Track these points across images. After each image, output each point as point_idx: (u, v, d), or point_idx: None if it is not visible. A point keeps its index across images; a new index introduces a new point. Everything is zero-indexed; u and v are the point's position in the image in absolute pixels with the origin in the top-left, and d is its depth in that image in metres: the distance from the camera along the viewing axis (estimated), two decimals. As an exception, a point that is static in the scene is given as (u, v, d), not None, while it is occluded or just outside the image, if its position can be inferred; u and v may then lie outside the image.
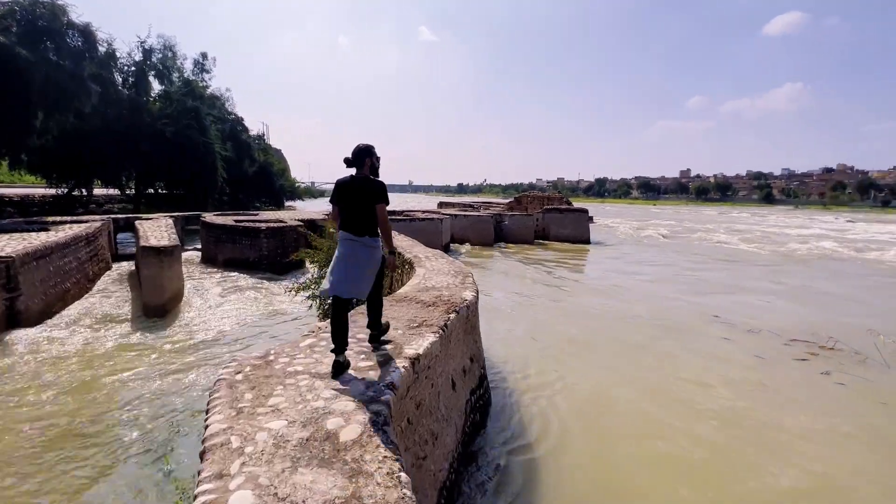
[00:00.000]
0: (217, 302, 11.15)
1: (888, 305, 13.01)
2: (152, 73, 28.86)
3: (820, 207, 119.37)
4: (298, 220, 19.57)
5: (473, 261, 18.81)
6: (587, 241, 26.29)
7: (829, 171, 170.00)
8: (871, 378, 7.34)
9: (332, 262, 3.17)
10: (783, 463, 5.07)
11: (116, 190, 29.18)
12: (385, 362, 3.23)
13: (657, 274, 17.07)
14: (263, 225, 15.67)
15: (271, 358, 3.28)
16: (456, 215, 23.94)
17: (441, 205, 36.74)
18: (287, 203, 69.98)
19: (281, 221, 17.90)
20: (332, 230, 9.76)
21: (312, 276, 9.40)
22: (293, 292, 9.00)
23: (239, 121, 45.99)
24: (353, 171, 3.19)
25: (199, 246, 17.87)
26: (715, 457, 5.21)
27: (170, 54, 34.47)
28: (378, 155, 3.28)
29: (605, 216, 50.29)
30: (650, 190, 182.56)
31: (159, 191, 32.88)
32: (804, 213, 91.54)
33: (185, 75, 42.60)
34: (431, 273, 6.79)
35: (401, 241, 10.98)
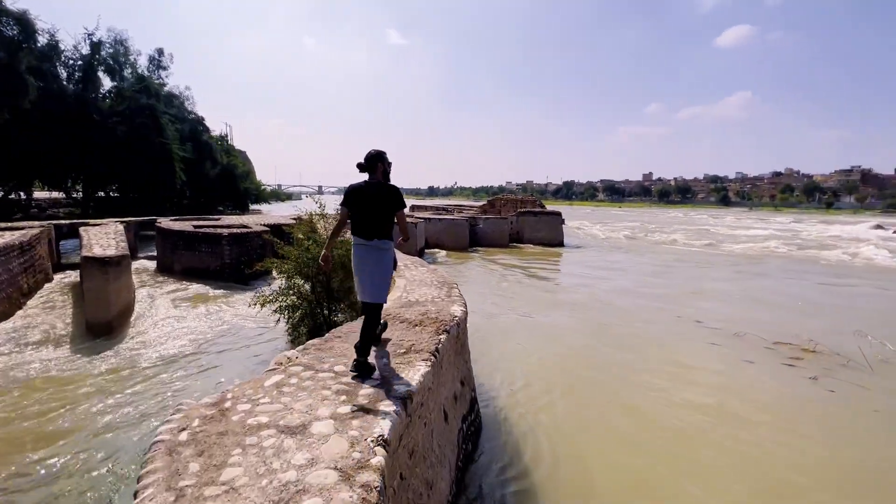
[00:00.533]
0: (172, 316, 10.15)
1: (851, 305, 13.41)
2: (102, 68, 26.87)
3: (772, 209, 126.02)
4: (264, 225, 18.51)
5: (451, 268, 18.29)
6: (561, 244, 26.33)
7: (777, 174, 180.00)
8: (860, 383, 7.30)
9: (354, 268, 3.32)
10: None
11: (62, 193, 26.95)
12: (371, 406, 2.65)
13: (632, 280, 17.08)
14: (225, 231, 14.61)
15: (227, 405, 2.63)
16: (430, 219, 23.39)
17: (413, 208, 36.08)
18: (252, 207, 67.32)
19: (245, 227, 16.83)
20: (300, 236, 9.02)
21: (280, 286, 8.61)
22: (258, 305, 8.20)
23: (199, 120, 43.82)
24: (364, 176, 3.26)
25: (155, 254, 16.55)
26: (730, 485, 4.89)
27: (121, 49, 32.29)
28: (389, 161, 3.36)
29: (575, 218, 50.99)
30: (615, 193, 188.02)
31: (112, 194, 30.71)
32: (758, 214, 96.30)
33: (140, 72, 40.23)
34: (413, 284, 6.22)
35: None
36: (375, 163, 3.24)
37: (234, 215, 32.16)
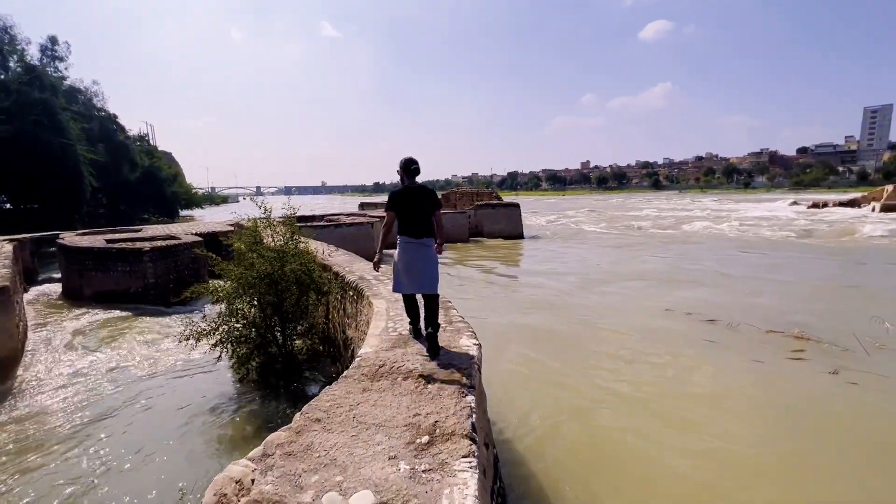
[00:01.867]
0: (77, 359, 8.04)
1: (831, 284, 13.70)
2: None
3: (698, 191, 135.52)
4: (196, 234, 16.13)
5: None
6: (521, 236, 25.77)
7: (700, 158, 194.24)
8: (877, 372, 6.93)
9: (396, 265, 3.67)
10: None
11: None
12: None
13: (601, 269, 16.67)
14: (147, 244, 12.31)
15: None
16: (385, 218, 21.83)
17: (363, 206, 34.12)
18: (183, 213, 61.62)
19: (173, 238, 14.46)
20: (240, 246, 7.35)
21: (220, 312, 6.91)
22: (190, 340, 6.46)
23: (111, 118, 38.82)
24: (400, 181, 3.65)
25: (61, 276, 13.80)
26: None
27: (6, 37, 27.48)
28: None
29: (524, 209, 51.32)
30: (557, 182, 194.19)
31: (4, 206, 26.14)
32: (687, 196, 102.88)
33: (30, 62, 34.83)
34: (399, 308, 4.89)
35: (337, 259, 8.81)
36: (416, 170, 3.59)
37: (161, 223, 28.60)
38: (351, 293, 6.58)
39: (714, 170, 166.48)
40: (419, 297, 3.80)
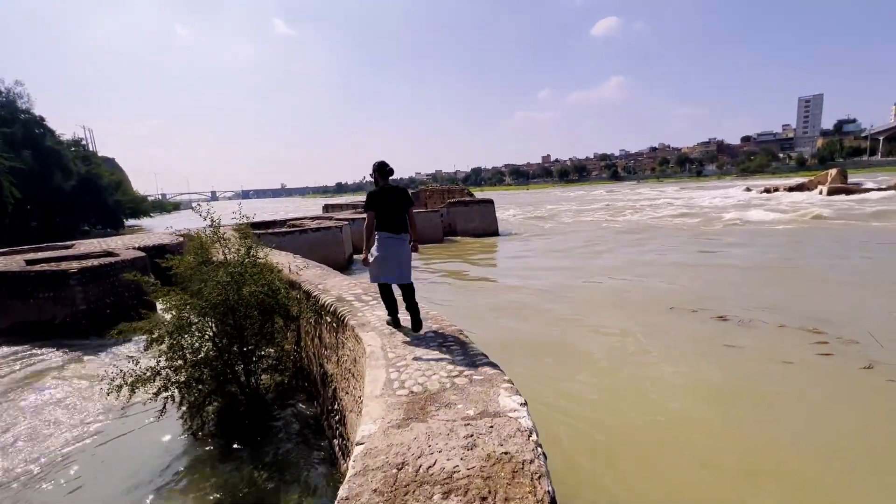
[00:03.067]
0: (-22, 420, 6.36)
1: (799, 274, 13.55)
2: None
3: (655, 180, 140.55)
4: (139, 247, 14.21)
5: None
6: (496, 233, 24.96)
7: (654, 149, 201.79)
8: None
9: (377, 258, 3.89)
10: None
11: None
12: None
13: (586, 264, 16.03)
14: (76, 265, 10.48)
15: None
16: (354, 219, 20.36)
17: (327, 208, 32.33)
18: (130, 223, 57.08)
19: (110, 254, 12.56)
20: (182, 267, 5.97)
21: (162, 349, 5.49)
22: (122, 392, 5.05)
23: (38, 121, 34.94)
24: (374, 183, 3.97)
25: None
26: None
27: None
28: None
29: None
30: (520, 176, 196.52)
31: None
32: (646, 185, 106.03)
33: None
34: (400, 347, 3.71)
35: (308, 274, 7.50)
36: (390, 171, 3.90)
37: (104, 237, 25.80)
38: (329, 319, 5.35)
39: (668, 160, 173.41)
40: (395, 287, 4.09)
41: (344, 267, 16.12)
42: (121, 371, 5.09)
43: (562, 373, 6.93)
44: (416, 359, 3.39)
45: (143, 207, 65.72)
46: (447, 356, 3.40)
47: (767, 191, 49.92)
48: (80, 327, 9.94)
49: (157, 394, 5.26)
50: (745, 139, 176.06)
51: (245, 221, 6.63)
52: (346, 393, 4.66)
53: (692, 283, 12.01)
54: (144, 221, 63.10)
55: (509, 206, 50.68)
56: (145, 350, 5.18)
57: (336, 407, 5.05)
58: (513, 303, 11.19)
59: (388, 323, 4.22)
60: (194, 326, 5.52)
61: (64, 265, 10.44)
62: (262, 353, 6.33)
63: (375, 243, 3.92)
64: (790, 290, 10.80)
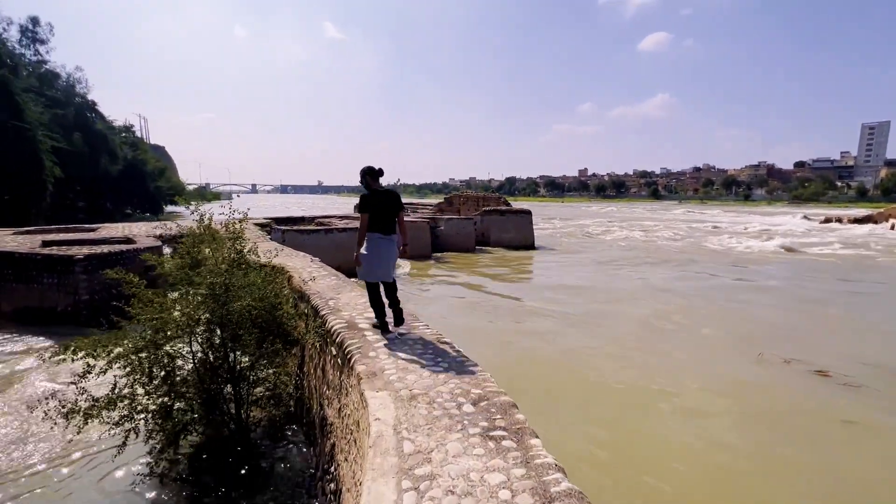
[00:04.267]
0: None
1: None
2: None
3: (698, 202, 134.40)
4: (160, 235, 13.64)
5: (415, 289, 14.47)
6: (532, 246, 23.42)
7: (697, 169, 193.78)
8: None
9: (367, 257, 3.97)
10: None
11: None
12: None
13: (645, 291, 14.33)
14: (85, 250, 9.81)
15: None
16: (383, 222, 19.39)
17: (358, 208, 31.67)
18: (170, 209, 58.64)
19: (127, 241, 11.95)
20: (170, 268, 4.96)
21: (130, 372, 4.41)
22: (76, 419, 4.02)
23: (90, 106, 36.03)
24: (365, 186, 4.04)
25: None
26: None
27: None
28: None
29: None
30: (555, 188, 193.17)
31: None
32: (686, 206, 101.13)
33: (12, 48, 32.18)
34: (424, 438, 2.43)
35: (320, 285, 6.33)
36: (380, 173, 4.04)
37: (145, 221, 25.94)
38: (334, 352, 4.15)
39: (712, 181, 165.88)
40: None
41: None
42: (81, 393, 4.06)
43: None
44: (447, 460, 2.10)
45: (185, 195, 67.63)
46: (501, 461, 2.09)
47: (828, 220, 46.09)
48: (82, 317, 9.22)
49: (118, 424, 4.21)
50: (799, 164, 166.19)
51: (240, 218, 5.55)
52: (346, 460, 3.44)
53: (771, 320, 10.21)
54: (184, 209, 64.84)
55: (545, 218, 48.82)
56: (103, 371, 4.12)
57: (333, 471, 3.84)
58: (549, 339, 9.74)
59: (374, 325, 4.21)
60: (170, 345, 4.45)
61: (74, 250, 9.79)
62: (258, 375, 5.22)
63: (366, 243, 4.00)
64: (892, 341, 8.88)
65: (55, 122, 29.28)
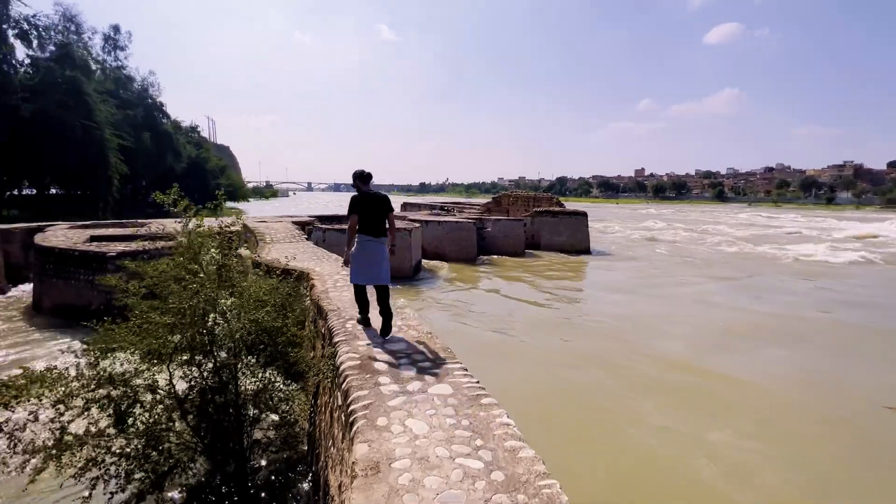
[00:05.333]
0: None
1: None
2: (13, 32, 21.30)
3: (771, 205, 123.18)
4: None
5: (457, 294, 13.33)
6: (587, 251, 21.58)
7: (770, 169, 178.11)
8: None
9: (355, 259, 3.96)
10: None
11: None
12: None
13: (726, 312, 12.35)
14: (120, 246, 9.57)
15: None
16: (427, 221, 18.45)
17: (405, 206, 31.08)
18: (229, 205, 61.63)
19: (170, 238, 11.77)
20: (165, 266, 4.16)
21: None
22: (33, 463, 3.27)
23: (158, 106, 38.11)
24: (355, 189, 4.06)
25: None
26: None
27: (71, 26, 27.09)
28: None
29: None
30: (609, 189, 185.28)
31: (54, 190, 25.05)
32: (762, 209, 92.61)
33: (96, 55, 34.70)
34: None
35: (340, 299, 5.33)
36: (369, 177, 4.07)
37: (186, 218, 26.87)
38: (339, 401, 3.11)
39: (788, 182, 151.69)
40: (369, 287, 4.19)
41: (409, 277, 14.18)
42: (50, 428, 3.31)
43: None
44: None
45: (243, 192, 70.96)
46: None
47: (938, 228, 39.78)
48: (114, 316, 8.94)
49: (83, 469, 3.42)
50: (894, 165, 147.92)
51: (230, 222, 4.70)
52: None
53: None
54: (243, 205, 67.95)
55: (599, 219, 46.08)
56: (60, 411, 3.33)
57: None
58: (611, 371, 8.25)
59: (358, 321, 4.18)
60: (148, 373, 3.62)
61: (107, 247, 9.57)
62: (261, 408, 4.32)
63: (355, 245, 4.00)
64: None
65: (126, 122, 31.09)
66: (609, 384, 7.39)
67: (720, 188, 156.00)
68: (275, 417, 4.37)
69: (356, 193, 4.00)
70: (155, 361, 3.60)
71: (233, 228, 4.67)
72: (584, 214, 22.19)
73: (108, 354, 3.49)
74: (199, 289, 3.63)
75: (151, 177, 39.01)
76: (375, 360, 3.41)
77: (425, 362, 3.39)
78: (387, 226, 4.06)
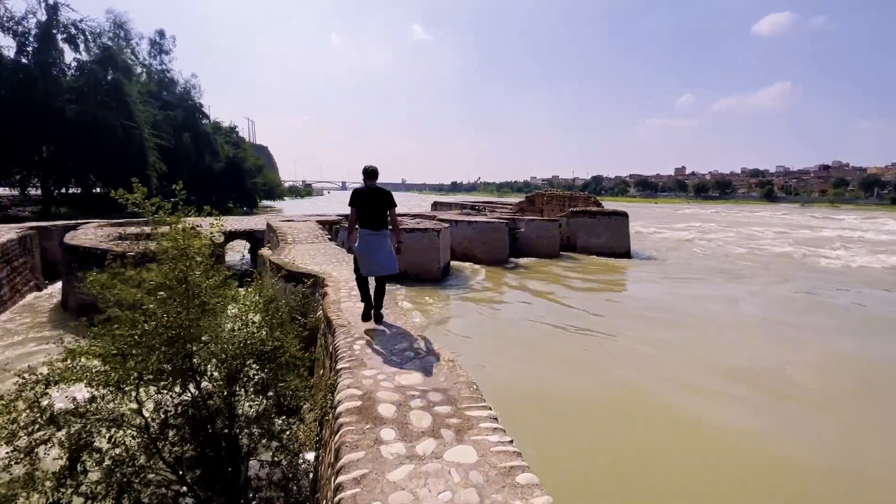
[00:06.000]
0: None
1: None
2: (62, 37, 22.17)
3: (828, 205, 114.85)
4: (230, 231, 13.32)
5: (486, 304, 12.48)
6: (627, 255, 20.21)
7: (825, 167, 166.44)
8: None
9: (358, 252, 4.06)
10: None
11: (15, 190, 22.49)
12: None
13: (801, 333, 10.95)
14: (140, 246, 9.32)
15: None
16: (457, 221, 17.71)
17: (436, 205, 30.47)
18: (265, 203, 63.11)
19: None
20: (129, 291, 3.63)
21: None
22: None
23: (197, 107, 39.21)
24: (360, 182, 4.13)
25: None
26: None
27: (120, 32, 28.41)
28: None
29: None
30: (648, 188, 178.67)
31: (97, 189, 26.14)
32: (823, 211, 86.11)
33: (142, 59, 36.18)
34: None
35: (352, 312, 4.65)
36: (376, 174, 4.08)
37: (242, 215, 27.35)
38: (331, 457, 2.42)
39: (846, 181, 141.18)
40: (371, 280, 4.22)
41: (437, 280, 13.49)
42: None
43: None
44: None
45: (280, 191, 72.65)
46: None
47: None
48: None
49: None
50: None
51: (197, 227, 4.14)
52: None
53: None
54: (279, 203, 69.47)
55: (638, 219, 43.92)
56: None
57: None
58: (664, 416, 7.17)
59: (363, 318, 4.17)
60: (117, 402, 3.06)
61: (116, 245, 9.38)
62: (256, 447, 3.72)
63: (358, 240, 4.09)
64: None
65: (167, 123, 32.10)
66: (688, 457, 5.69)
67: (769, 187, 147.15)
68: (272, 449, 3.74)
69: (358, 187, 4.08)
70: (127, 388, 3.04)
71: (213, 230, 4.12)
72: (625, 215, 20.80)
73: (57, 384, 2.93)
74: (179, 309, 3.05)
75: (191, 175, 40.27)
76: (381, 401, 2.69)
77: (444, 405, 2.65)
78: (389, 220, 4.09)
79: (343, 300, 5.17)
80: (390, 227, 4.09)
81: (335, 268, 7.23)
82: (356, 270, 4.18)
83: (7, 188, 22.21)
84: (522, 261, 18.06)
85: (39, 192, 22.78)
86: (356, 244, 4.09)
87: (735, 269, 18.57)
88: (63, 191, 23.59)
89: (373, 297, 4.15)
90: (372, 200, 4.00)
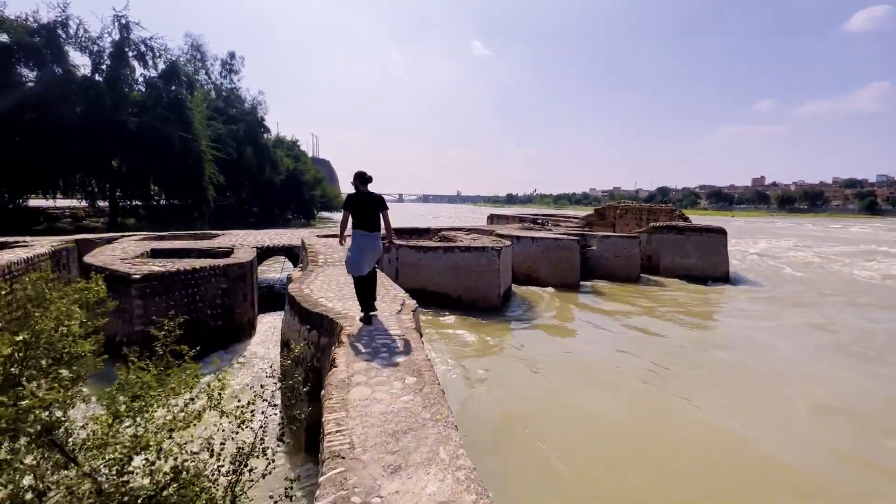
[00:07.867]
0: None
1: None
2: (132, 54, 22.94)
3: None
4: (265, 246, 12.05)
5: (560, 351, 10.02)
6: (726, 279, 16.79)
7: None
8: None
9: (351, 251, 4.42)
10: None
11: (82, 201, 23.36)
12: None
13: None
14: (146, 269, 8.06)
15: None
16: (519, 237, 15.44)
17: (492, 218, 28.24)
18: (322, 215, 64.39)
19: (222, 254, 10.38)
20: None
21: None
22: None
23: (259, 121, 40.27)
24: (354, 188, 4.50)
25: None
26: None
27: (197, 54, 29.88)
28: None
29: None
30: (721, 200, 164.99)
31: (160, 201, 27.02)
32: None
33: (214, 79, 38.03)
34: None
35: (351, 401, 2.62)
36: (368, 179, 4.41)
37: (301, 227, 27.05)
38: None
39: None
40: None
41: (496, 308, 11.28)
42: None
43: None
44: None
45: (338, 202, 73.99)
46: None
47: None
48: (139, 351, 7.37)
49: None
50: None
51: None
52: None
53: None
54: (336, 215, 70.72)
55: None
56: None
57: None
58: None
59: (361, 319, 4.40)
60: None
61: (145, 268, 8.11)
62: None
63: (351, 240, 4.44)
64: None
65: (230, 136, 32.93)
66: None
67: (870, 199, 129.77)
68: None
69: (352, 192, 4.47)
70: None
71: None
72: (723, 231, 17.31)
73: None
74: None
75: (253, 188, 41.34)
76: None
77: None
78: (382, 223, 4.44)
79: (357, 376, 3.19)
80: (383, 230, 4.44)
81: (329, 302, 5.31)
82: (349, 272, 4.45)
83: (79, 200, 23.21)
84: (597, 284, 15.36)
85: (107, 203, 23.57)
86: (350, 244, 4.44)
87: (876, 302, 14.60)
88: (129, 202, 24.33)
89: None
90: (365, 204, 4.38)
